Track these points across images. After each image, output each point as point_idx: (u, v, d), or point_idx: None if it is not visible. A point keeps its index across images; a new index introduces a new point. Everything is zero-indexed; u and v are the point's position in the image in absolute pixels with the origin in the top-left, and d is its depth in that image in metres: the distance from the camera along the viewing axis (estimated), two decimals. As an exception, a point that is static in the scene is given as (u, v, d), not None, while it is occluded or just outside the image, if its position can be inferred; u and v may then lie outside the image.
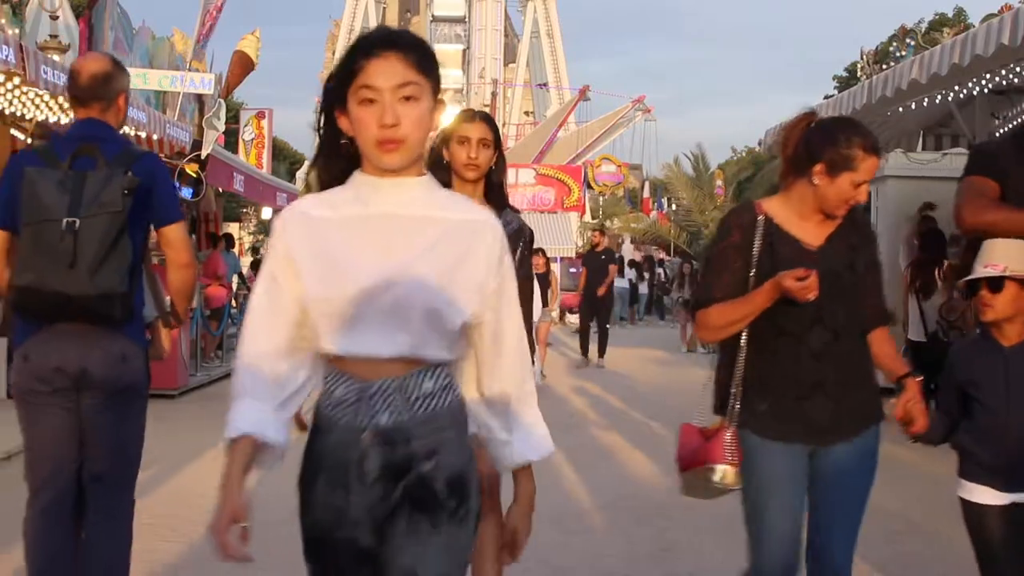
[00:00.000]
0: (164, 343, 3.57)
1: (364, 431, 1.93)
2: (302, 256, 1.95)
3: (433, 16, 65.54)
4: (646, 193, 41.31)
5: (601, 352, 14.60)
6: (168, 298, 3.51)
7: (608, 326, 14.84)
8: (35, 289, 3.05)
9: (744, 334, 2.85)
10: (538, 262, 12.69)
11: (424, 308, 1.92)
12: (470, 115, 3.63)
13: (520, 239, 3.60)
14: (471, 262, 1.97)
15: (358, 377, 1.94)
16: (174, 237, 3.33)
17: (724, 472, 2.94)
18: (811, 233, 2.86)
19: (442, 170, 3.42)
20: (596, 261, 14.90)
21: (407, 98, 1.91)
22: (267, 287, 2.00)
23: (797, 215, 2.87)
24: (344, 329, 1.92)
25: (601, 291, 14.49)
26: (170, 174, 3.97)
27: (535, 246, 12.89)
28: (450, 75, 68.03)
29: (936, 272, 8.67)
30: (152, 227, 3.32)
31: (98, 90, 3.35)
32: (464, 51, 63.82)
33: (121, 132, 3.55)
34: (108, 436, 3.24)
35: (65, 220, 3.01)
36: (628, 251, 31.21)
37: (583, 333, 14.75)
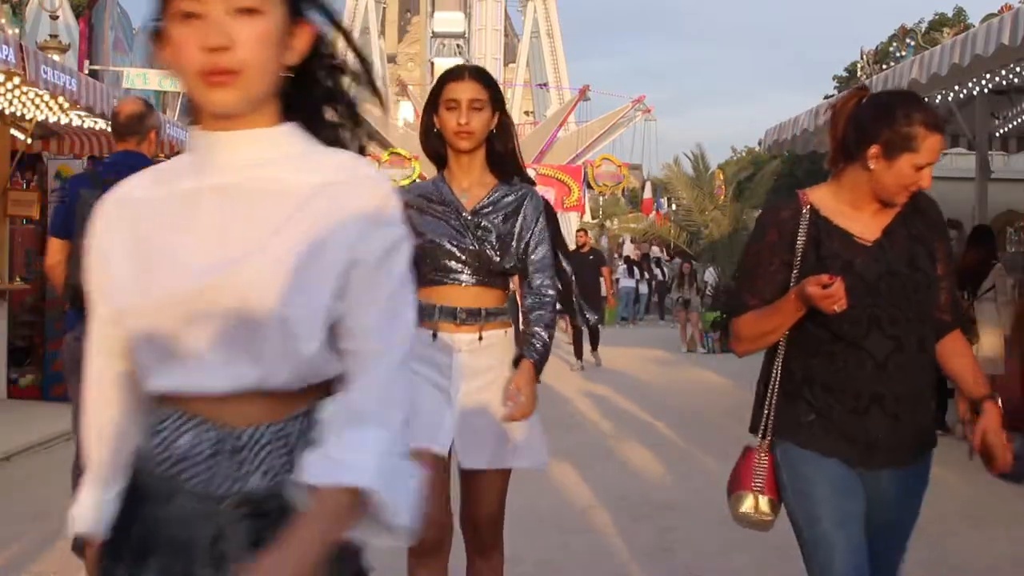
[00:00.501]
0: None
1: (224, 499, 1.34)
2: (115, 258, 1.41)
3: (433, 32, 65.69)
4: (647, 194, 41.25)
5: (594, 346, 14.27)
6: None
7: (600, 325, 14.88)
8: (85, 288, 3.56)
9: (783, 339, 2.51)
10: None
11: (269, 320, 1.31)
12: (458, 72, 3.04)
13: (531, 209, 3.03)
14: (333, 244, 1.34)
15: (213, 422, 1.35)
16: None
17: (752, 501, 2.54)
18: (866, 226, 2.48)
19: (435, 140, 3.06)
20: (583, 262, 14.15)
21: (243, 10, 1.31)
22: (94, 326, 1.48)
23: (849, 205, 2.49)
24: (163, 354, 1.36)
25: (610, 302, 14.45)
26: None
27: None
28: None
29: None
30: None
31: (133, 127, 4.20)
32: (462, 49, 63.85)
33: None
34: None
35: None
36: (628, 250, 31.22)
37: (574, 335, 14.24)
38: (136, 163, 3.89)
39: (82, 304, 3.42)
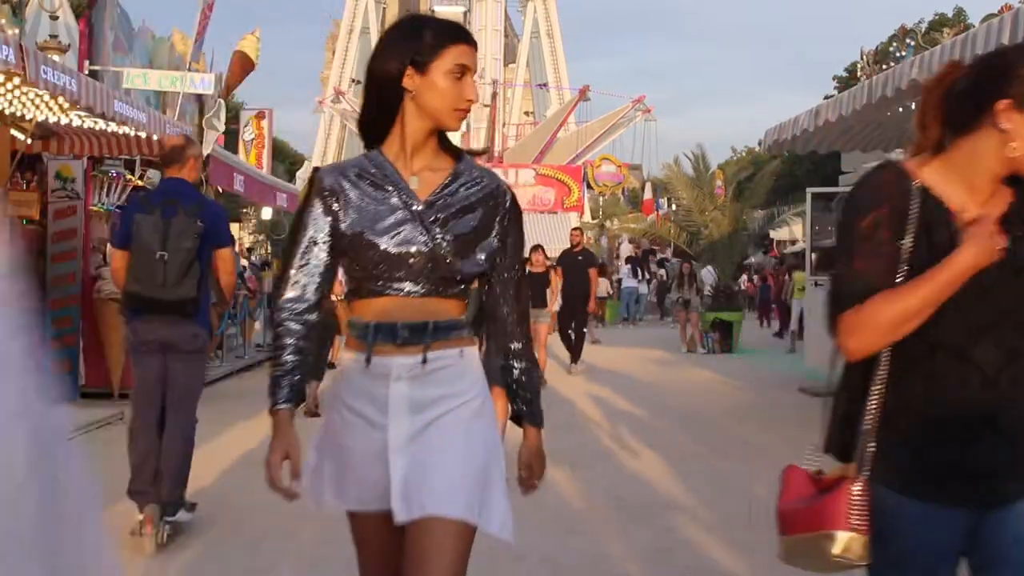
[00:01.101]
0: (215, 319, 5.64)
1: None
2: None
3: (432, 12, 65.58)
4: (647, 194, 41.28)
5: (575, 357, 13.76)
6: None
7: (601, 325, 14.75)
8: (139, 295, 4.96)
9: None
10: (537, 259, 12.21)
11: None
12: (466, 33, 2.37)
13: (495, 204, 2.37)
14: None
15: None
16: (225, 256, 5.14)
17: (848, 542, 2.03)
18: (983, 208, 2.02)
19: (389, 106, 2.32)
20: (573, 262, 13.72)
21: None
22: None
23: (965, 184, 2.04)
24: None
25: (591, 307, 13.78)
26: (225, 213, 5.74)
27: (535, 243, 12.55)
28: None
29: None
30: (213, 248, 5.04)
31: (176, 156, 5.07)
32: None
33: (199, 187, 5.57)
34: (181, 379, 5.06)
35: (159, 253, 4.85)
36: (627, 250, 31.25)
37: (563, 338, 13.89)
38: (180, 188, 5.03)
39: (134, 304, 4.88)
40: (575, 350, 13.73)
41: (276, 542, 5.04)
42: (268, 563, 4.75)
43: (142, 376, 5.12)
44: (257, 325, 15.34)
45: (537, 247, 12.45)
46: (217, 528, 5.29)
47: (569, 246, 14.35)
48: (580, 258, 13.94)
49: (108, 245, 10.71)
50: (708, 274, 19.80)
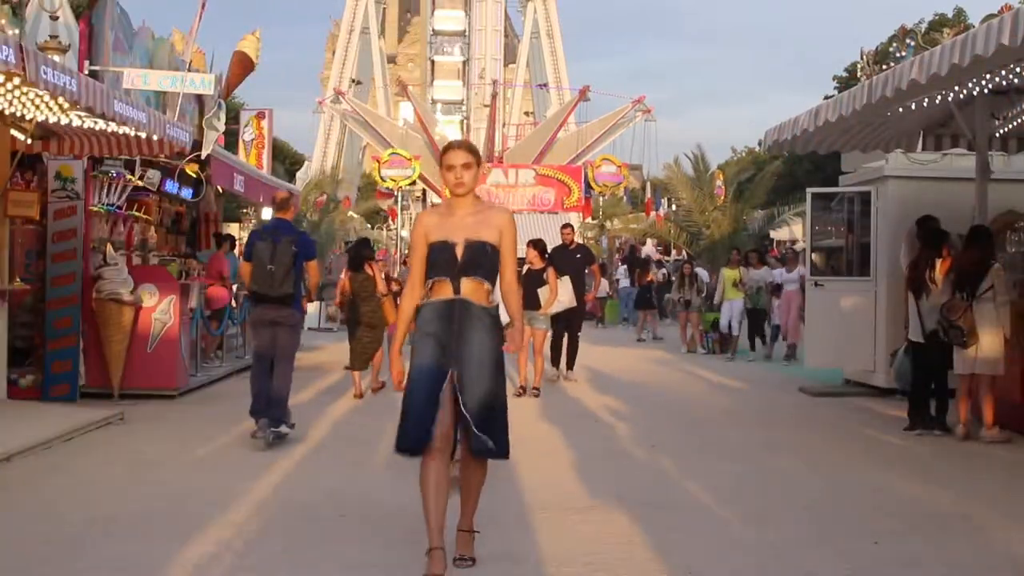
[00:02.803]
0: (306, 305, 8.83)
1: None
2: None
3: (433, 30, 65.72)
4: (648, 194, 41.27)
5: (570, 364, 12.64)
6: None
7: (601, 324, 14.47)
8: (258, 291, 7.86)
9: None
10: (532, 256, 11.45)
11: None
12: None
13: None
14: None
15: None
16: (311, 266, 8.07)
17: None
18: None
19: None
20: (568, 259, 12.53)
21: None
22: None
23: None
24: None
25: (589, 298, 13.13)
26: (311, 240, 8.44)
27: (532, 237, 12.51)
28: (450, 86, 68.23)
29: (927, 272, 8.66)
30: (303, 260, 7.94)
31: (284, 205, 8.23)
32: (463, 63, 63.97)
33: (298, 224, 9.52)
34: (283, 342, 7.90)
35: (269, 266, 7.72)
36: (649, 249, 31.31)
37: (554, 340, 12.38)
38: (286, 225, 8.06)
39: (256, 297, 8.07)
40: (570, 354, 12.62)
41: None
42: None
43: (260, 341, 8.01)
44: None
45: (536, 241, 11.72)
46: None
47: (561, 244, 13.01)
48: (578, 256, 12.97)
49: (108, 246, 10.69)
50: (704, 275, 19.82)
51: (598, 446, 8.05)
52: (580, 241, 14.07)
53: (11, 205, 9.35)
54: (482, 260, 4.47)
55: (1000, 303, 8.19)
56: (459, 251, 4.45)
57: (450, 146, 4.63)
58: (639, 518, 5.59)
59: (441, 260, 4.48)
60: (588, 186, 31.94)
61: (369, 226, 43.27)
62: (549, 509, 5.74)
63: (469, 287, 4.45)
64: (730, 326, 16.52)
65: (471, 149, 4.62)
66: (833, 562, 4.81)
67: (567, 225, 14.00)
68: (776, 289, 16.42)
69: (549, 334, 11.90)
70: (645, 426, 9.14)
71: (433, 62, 67.84)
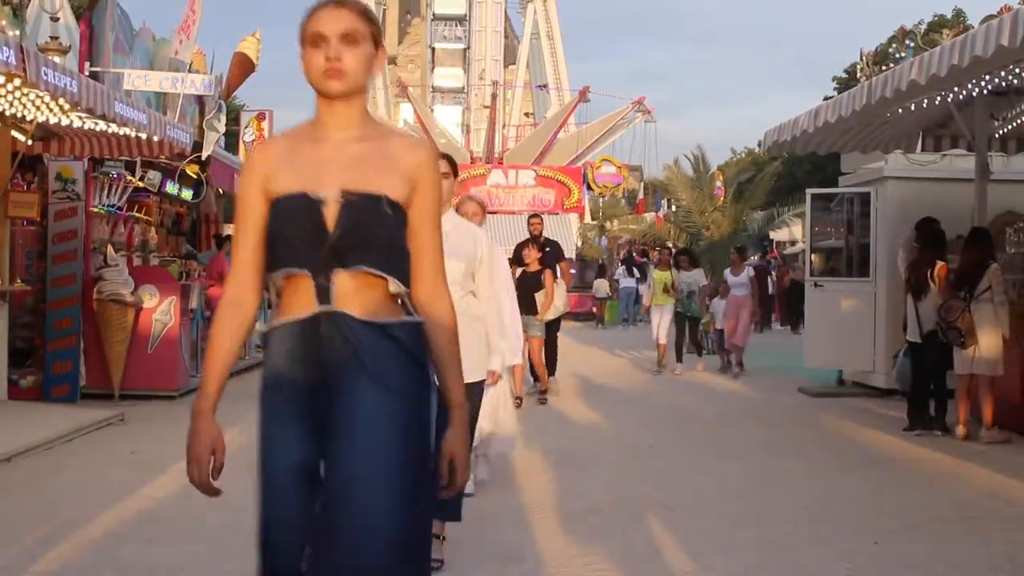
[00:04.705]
0: None
1: None
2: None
3: (434, 15, 65.59)
4: (641, 195, 41.29)
5: (551, 370, 11.19)
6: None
7: (600, 325, 13.69)
8: None
9: None
10: (530, 256, 10.44)
11: None
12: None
13: None
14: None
15: None
16: None
17: None
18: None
19: None
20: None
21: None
22: None
23: None
24: None
25: (545, 304, 10.37)
26: None
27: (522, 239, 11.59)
28: (451, 73, 68.18)
29: (927, 273, 8.67)
30: None
31: None
32: (464, 51, 63.92)
33: None
34: None
35: None
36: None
37: (548, 347, 11.00)
38: None
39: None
40: (549, 361, 11.12)
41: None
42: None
43: None
44: (258, 325, 15.34)
45: (530, 241, 10.72)
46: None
47: (528, 237, 11.26)
48: (547, 249, 11.09)
49: (109, 247, 10.73)
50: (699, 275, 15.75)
51: (597, 445, 8.05)
52: (548, 235, 11.89)
53: (11, 206, 9.36)
54: (376, 232, 2.26)
55: (999, 303, 8.20)
56: (329, 213, 2.24)
57: (322, 4, 2.32)
58: (639, 518, 5.60)
59: (292, 232, 2.26)
60: (588, 187, 31.96)
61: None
62: (547, 509, 5.75)
63: (349, 286, 2.24)
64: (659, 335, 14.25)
65: (364, 13, 2.35)
66: (833, 562, 4.81)
67: (535, 216, 12.28)
68: (714, 293, 14.79)
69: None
70: (644, 425, 9.15)
71: (434, 49, 67.70)
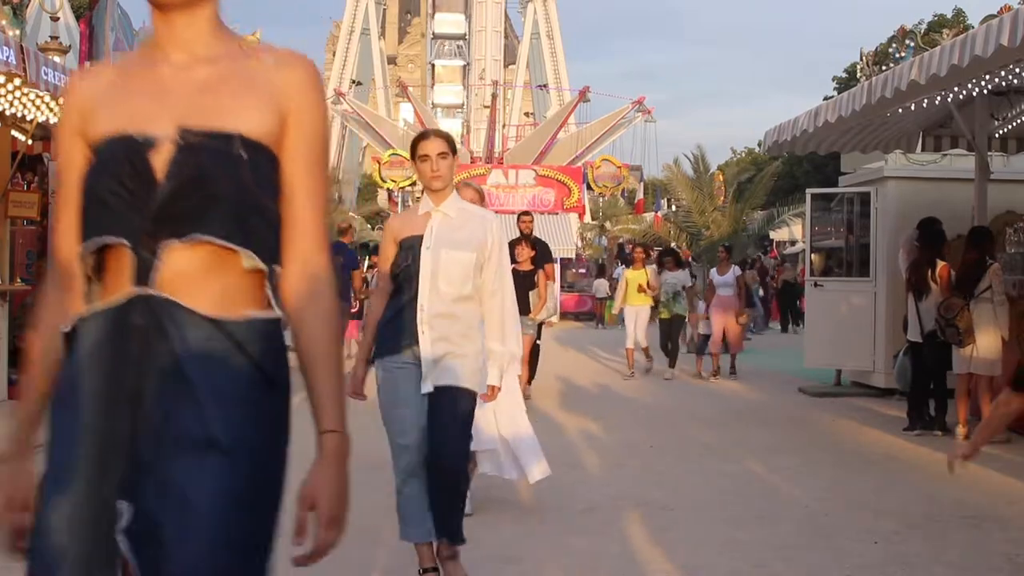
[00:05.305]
0: (355, 304, 12.82)
1: None
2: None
3: (434, 34, 65.75)
4: (640, 194, 41.30)
5: (530, 376, 10.41)
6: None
7: (601, 326, 13.42)
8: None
9: None
10: (522, 253, 9.84)
11: None
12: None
13: None
14: None
15: None
16: (356, 274, 12.36)
17: None
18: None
19: None
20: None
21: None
22: None
23: None
24: None
25: (538, 306, 10.00)
26: (356, 255, 12.20)
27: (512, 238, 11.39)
28: (451, 90, 68.34)
29: (928, 272, 8.67)
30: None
31: (345, 232, 12.76)
32: (464, 67, 64.00)
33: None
34: None
35: None
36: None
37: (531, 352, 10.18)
38: (343, 247, 11.48)
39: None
40: (530, 367, 10.29)
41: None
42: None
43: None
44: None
45: (522, 239, 10.24)
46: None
47: (519, 235, 10.57)
48: (536, 249, 10.35)
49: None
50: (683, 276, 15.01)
51: (596, 447, 8.05)
52: (538, 235, 11.43)
53: (12, 206, 9.37)
54: (224, 185, 1.60)
55: (998, 303, 8.20)
56: (158, 160, 1.60)
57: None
58: (639, 518, 5.60)
59: (107, 187, 1.61)
60: (588, 187, 31.97)
61: (370, 227, 43.31)
62: (547, 510, 5.75)
63: (183, 263, 1.59)
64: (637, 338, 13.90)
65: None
66: (833, 562, 4.81)
67: (526, 213, 11.56)
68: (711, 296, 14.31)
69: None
70: (644, 425, 9.14)
71: (433, 66, 67.87)
